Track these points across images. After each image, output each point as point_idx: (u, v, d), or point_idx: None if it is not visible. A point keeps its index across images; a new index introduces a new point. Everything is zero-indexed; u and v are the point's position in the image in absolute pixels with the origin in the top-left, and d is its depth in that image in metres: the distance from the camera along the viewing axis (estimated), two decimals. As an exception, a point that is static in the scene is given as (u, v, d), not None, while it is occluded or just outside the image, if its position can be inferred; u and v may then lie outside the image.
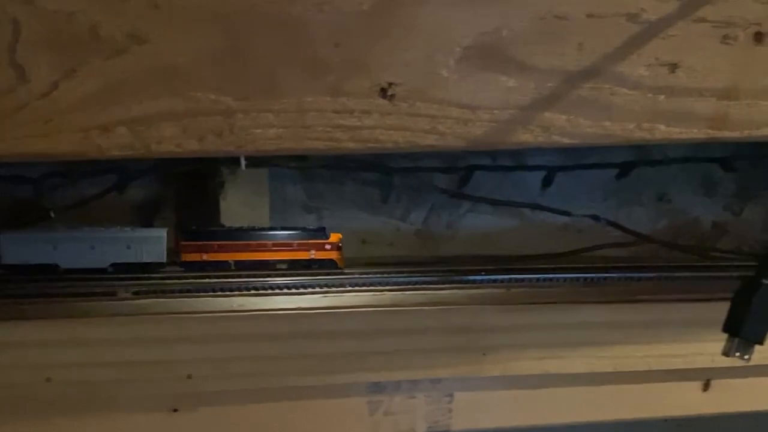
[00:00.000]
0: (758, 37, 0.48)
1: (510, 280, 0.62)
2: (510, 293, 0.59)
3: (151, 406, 0.50)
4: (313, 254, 0.63)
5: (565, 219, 0.83)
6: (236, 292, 0.56)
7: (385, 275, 0.60)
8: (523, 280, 0.62)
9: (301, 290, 0.57)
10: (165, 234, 0.60)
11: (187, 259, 0.61)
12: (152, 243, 0.60)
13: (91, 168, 0.70)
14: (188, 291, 0.55)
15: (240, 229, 0.63)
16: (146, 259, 0.59)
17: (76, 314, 0.50)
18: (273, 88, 0.41)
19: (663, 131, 0.47)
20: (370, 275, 0.60)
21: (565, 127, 0.46)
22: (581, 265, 0.67)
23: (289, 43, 0.42)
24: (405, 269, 0.62)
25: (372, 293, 0.57)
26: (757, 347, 0.58)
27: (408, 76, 0.44)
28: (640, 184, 0.87)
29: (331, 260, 0.63)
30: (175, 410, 0.50)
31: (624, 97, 0.47)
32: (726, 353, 0.46)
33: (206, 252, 0.61)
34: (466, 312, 0.54)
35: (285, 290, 0.57)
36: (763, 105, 0.49)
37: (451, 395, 0.54)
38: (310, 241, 0.63)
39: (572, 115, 0.46)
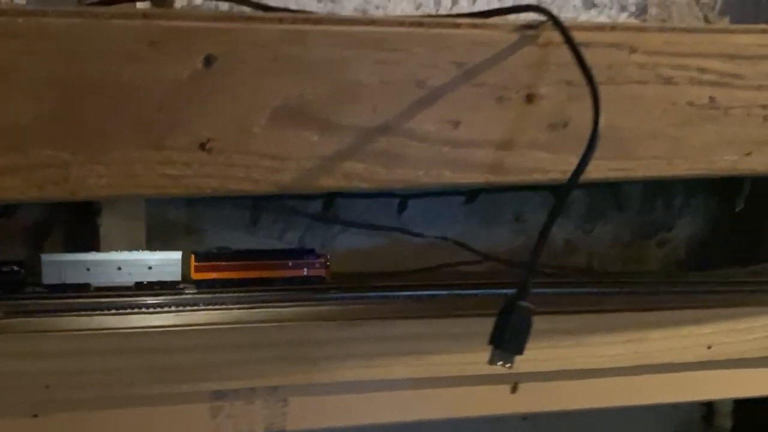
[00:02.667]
0: (529, 97, 0.58)
1: (351, 297, 0.70)
2: (347, 309, 0.68)
3: (13, 412, 0.57)
4: (305, 272, 0.72)
5: (430, 239, 0.92)
6: (97, 312, 0.63)
7: (234, 294, 0.68)
8: (362, 297, 0.70)
9: (158, 309, 0.65)
10: (180, 257, 0.69)
11: (199, 278, 0.69)
12: (169, 264, 0.68)
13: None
14: (53, 311, 0.62)
15: (246, 251, 0.73)
16: (164, 278, 0.68)
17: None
18: (104, 143, 0.49)
19: (448, 176, 0.57)
20: (222, 295, 0.68)
21: (363, 174, 0.55)
22: (417, 283, 0.76)
23: (118, 105, 0.50)
24: (255, 289, 0.71)
25: (220, 311, 0.65)
26: (562, 354, 0.69)
27: (224, 133, 0.52)
28: (500, 205, 0.97)
29: (321, 276, 0.72)
30: (35, 416, 0.57)
31: (413, 149, 0.56)
32: (491, 362, 0.55)
33: (216, 271, 0.70)
34: (299, 327, 0.62)
35: (143, 310, 0.65)
36: (534, 154, 0.59)
37: (285, 400, 0.62)
38: (303, 261, 0.72)
39: (369, 164, 0.55)
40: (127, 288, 0.68)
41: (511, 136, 0.57)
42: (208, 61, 0.50)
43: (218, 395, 0.61)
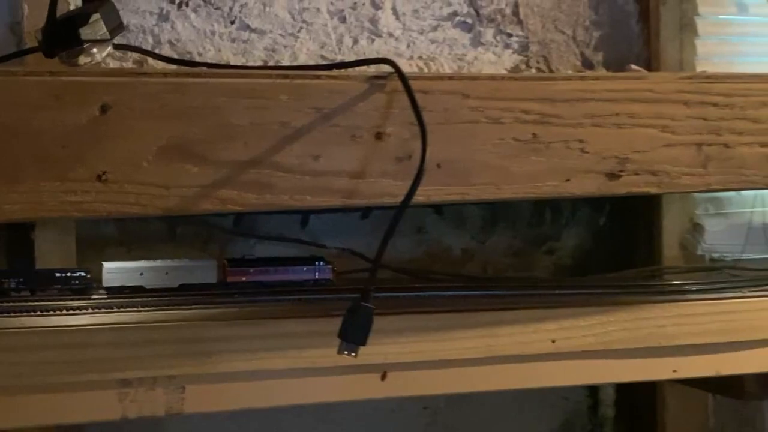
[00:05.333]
0: (379, 135, 0.70)
1: (249, 300, 0.82)
2: (241, 311, 0.80)
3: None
4: (317, 275, 0.82)
5: (334, 250, 1.03)
6: (23, 314, 0.74)
7: (141, 299, 0.78)
8: (256, 300, 0.82)
9: (76, 311, 0.76)
10: (215, 263, 0.81)
11: (231, 281, 0.81)
12: (207, 269, 0.79)
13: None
14: (-16, 314, 0.74)
15: (268, 258, 0.86)
16: (203, 281, 0.80)
17: None
18: (16, 176, 0.61)
19: (310, 201, 0.69)
20: (132, 299, 0.79)
21: (236, 199, 0.66)
22: (307, 288, 0.87)
23: (29, 146, 0.61)
24: (164, 293, 0.82)
25: (129, 312, 0.76)
26: (426, 347, 0.80)
27: (118, 167, 0.64)
28: (403, 219, 1.07)
29: (330, 279, 0.84)
30: (-38, 402, 0.68)
31: (280, 178, 0.68)
32: (339, 352, 0.66)
33: (245, 275, 0.81)
34: (195, 326, 0.74)
35: (64, 312, 0.76)
36: (383, 182, 0.71)
37: (183, 388, 0.73)
38: (315, 266, 0.83)
39: (242, 191, 0.67)
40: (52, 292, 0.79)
41: (364, 167, 0.69)
42: (104, 108, 0.62)
43: (124, 383, 0.71)
